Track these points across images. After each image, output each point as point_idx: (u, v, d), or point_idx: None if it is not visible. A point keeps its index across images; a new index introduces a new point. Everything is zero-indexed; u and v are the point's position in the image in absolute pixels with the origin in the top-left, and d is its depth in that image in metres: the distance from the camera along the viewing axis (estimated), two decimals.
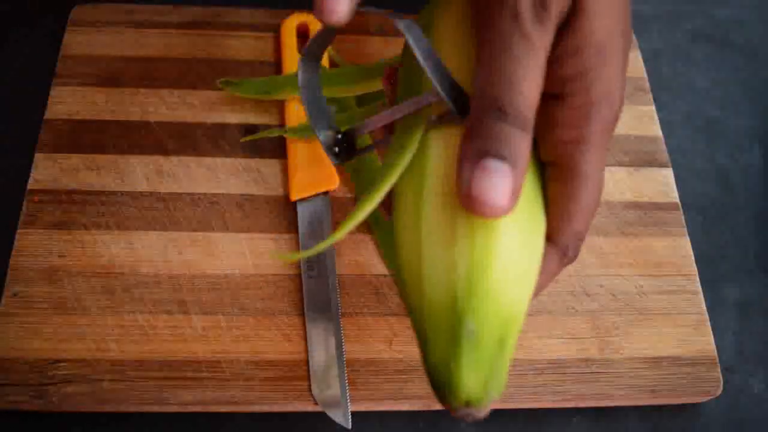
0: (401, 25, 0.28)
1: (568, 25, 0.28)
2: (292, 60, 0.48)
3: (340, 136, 0.34)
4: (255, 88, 0.46)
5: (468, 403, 0.25)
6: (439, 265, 0.27)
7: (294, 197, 0.44)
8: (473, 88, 0.27)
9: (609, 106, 0.29)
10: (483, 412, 0.26)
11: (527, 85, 0.27)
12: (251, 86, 0.47)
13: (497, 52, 0.27)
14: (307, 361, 0.39)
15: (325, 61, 0.48)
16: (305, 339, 0.40)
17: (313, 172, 0.44)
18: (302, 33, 0.50)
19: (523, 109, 0.26)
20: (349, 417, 0.38)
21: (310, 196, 0.44)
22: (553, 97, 0.28)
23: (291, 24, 0.49)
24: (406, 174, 0.29)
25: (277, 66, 0.49)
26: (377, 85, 0.45)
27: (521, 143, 0.26)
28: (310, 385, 0.39)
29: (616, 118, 0.29)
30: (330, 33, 0.32)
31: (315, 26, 0.49)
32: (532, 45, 0.27)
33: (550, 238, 0.29)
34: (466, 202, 0.26)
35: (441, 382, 0.26)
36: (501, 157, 0.26)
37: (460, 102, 0.28)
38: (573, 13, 0.28)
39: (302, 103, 0.34)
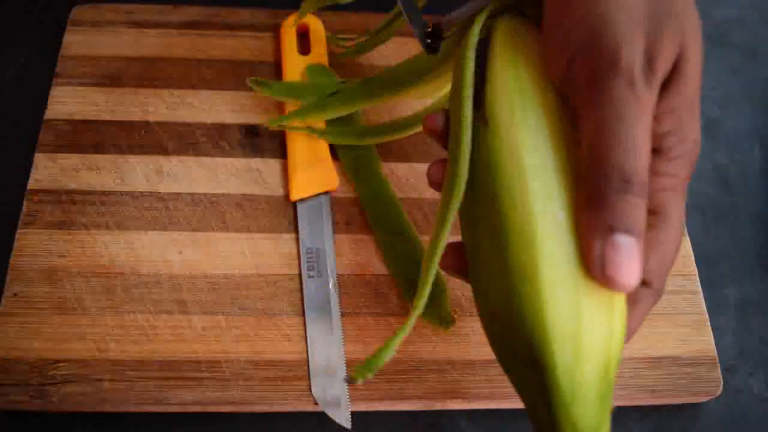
0: None
1: (667, 87, 0.29)
2: (292, 60, 0.48)
3: (429, 29, 0.38)
4: (285, 91, 0.46)
5: None
6: (597, 334, 0.28)
7: (294, 197, 0.44)
8: (588, 153, 0.28)
9: (696, 153, 0.31)
10: None
11: (645, 151, 0.28)
12: (281, 88, 0.46)
13: (615, 119, 0.28)
14: (308, 361, 0.39)
15: (322, 59, 0.48)
16: (305, 339, 0.40)
17: (313, 172, 0.44)
18: (302, 33, 0.50)
19: (643, 177, 0.28)
20: (349, 417, 0.38)
21: (310, 196, 0.44)
22: (652, 151, 0.30)
23: (291, 24, 0.49)
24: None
25: (277, 66, 0.49)
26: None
27: (643, 213, 0.28)
28: (310, 385, 0.39)
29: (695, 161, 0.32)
30: None
31: (315, 26, 0.49)
32: (644, 110, 0.28)
33: (646, 284, 0.31)
34: (602, 281, 0.27)
35: None
36: (629, 232, 0.27)
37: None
38: (673, 75, 0.29)
39: (400, 2, 0.38)
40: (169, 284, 0.41)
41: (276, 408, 0.39)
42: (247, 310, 0.40)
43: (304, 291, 0.41)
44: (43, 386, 0.37)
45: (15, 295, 0.40)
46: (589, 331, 0.28)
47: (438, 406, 0.40)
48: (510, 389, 0.39)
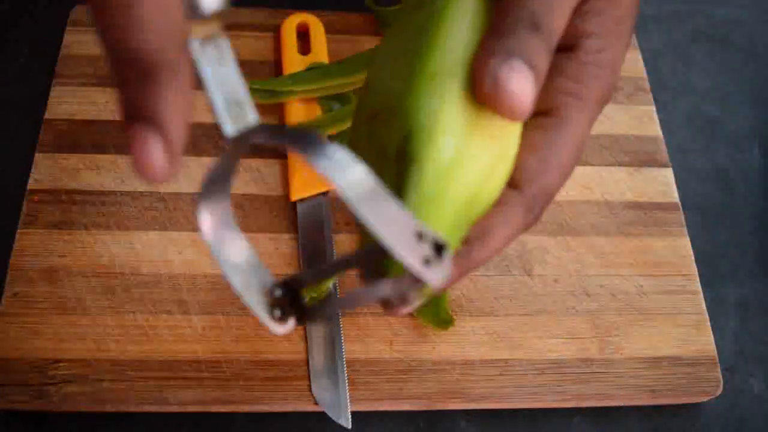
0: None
1: None
2: (292, 60, 0.48)
3: (279, 291, 0.26)
4: (258, 94, 0.46)
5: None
6: (477, 164, 0.26)
7: (294, 197, 0.44)
8: (504, 3, 0.27)
9: (611, 78, 0.29)
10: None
11: (560, 16, 0.27)
12: (254, 93, 0.46)
13: None
14: (308, 361, 0.39)
15: (323, 58, 0.48)
16: (305, 339, 0.40)
17: (313, 172, 0.44)
18: (302, 33, 0.50)
19: (554, 34, 0.26)
20: (349, 417, 0.38)
21: (310, 196, 0.44)
22: (565, 48, 0.29)
23: (291, 24, 0.49)
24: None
25: (277, 66, 0.49)
26: None
27: (546, 62, 0.26)
28: (310, 385, 0.39)
29: (610, 96, 0.30)
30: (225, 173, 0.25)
31: (315, 26, 0.49)
32: None
33: (517, 186, 0.28)
34: (492, 96, 0.25)
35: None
36: (530, 66, 0.25)
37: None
38: None
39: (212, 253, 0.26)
40: (169, 284, 0.41)
41: (276, 408, 0.39)
42: (247, 310, 0.40)
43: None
44: (43, 386, 0.37)
45: (15, 295, 0.40)
46: (471, 155, 0.26)
47: (438, 406, 0.40)
48: (510, 389, 0.39)
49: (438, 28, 0.27)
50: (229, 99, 0.23)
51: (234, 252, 0.25)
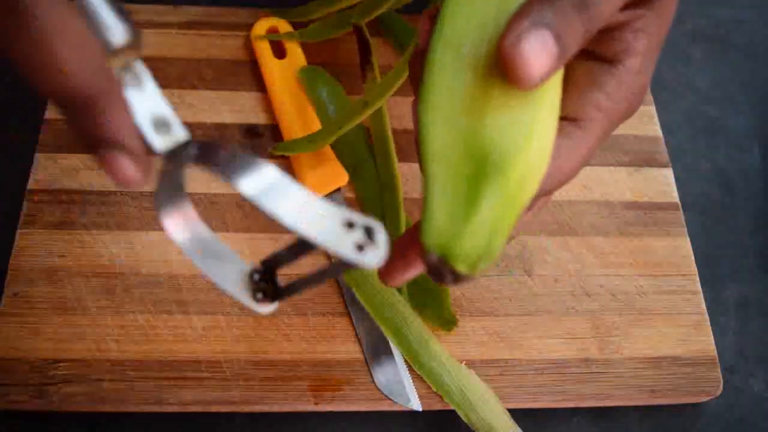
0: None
1: (648, 4, 0.29)
2: (270, 68, 0.47)
3: (257, 276, 0.29)
4: (303, 146, 0.44)
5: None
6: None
7: None
8: None
9: (637, 101, 0.30)
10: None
11: (611, 3, 0.26)
12: (301, 144, 0.44)
13: None
14: (365, 359, 0.39)
15: (300, 60, 0.48)
16: (305, 339, 0.40)
17: (322, 171, 0.44)
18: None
19: (597, 20, 0.26)
20: (418, 400, 0.39)
21: (324, 196, 0.43)
22: (606, 59, 0.28)
23: (261, 29, 0.49)
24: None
25: (254, 66, 0.48)
26: None
27: (577, 45, 0.25)
28: (309, 385, 0.38)
29: (629, 117, 0.30)
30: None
31: (285, 29, 0.49)
32: None
33: (576, 118, 0.28)
34: (508, 55, 0.24)
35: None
36: (558, 39, 0.24)
37: None
38: None
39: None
40: (169, 284, 0.41)
41: (276, 408, 0.39)
42: (247, 310, 0.40)
43: (344, 289, 0.41)
44: (43, 386, 0.37)
45: (15, 295, 0.40)
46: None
47: (438, 406, 0.40)
48: (510, 389, 0.39)
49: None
50: (155, 118, 0.26)
51: (207, 250, 0.28)
